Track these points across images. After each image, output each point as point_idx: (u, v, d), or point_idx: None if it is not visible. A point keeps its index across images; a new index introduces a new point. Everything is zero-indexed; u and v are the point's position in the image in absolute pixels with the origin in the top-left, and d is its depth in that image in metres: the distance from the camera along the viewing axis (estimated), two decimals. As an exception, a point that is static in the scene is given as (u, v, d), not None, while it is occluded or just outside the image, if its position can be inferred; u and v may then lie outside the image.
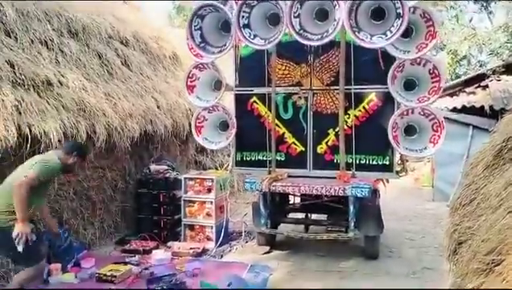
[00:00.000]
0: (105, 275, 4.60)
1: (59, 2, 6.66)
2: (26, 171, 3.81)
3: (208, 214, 6.33)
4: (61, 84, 5.59)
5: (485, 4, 16.06)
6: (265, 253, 6.06)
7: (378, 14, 4.87)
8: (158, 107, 7.23)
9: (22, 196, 3.62)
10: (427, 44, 4.98)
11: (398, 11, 4.55)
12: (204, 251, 5.99)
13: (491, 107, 9.57)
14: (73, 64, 6.10)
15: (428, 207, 9.20)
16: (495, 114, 8.76)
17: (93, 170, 6.22)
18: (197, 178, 6.50)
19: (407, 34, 5.05)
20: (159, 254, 5.58)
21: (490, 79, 10.45)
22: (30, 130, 4.74)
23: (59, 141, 4.98)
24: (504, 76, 10.44)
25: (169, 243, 6.19)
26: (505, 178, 2.78)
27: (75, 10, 6.72)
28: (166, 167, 6.93)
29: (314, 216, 6.67)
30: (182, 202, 6.43)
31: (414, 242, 6.67)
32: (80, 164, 4.57)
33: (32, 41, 5.69)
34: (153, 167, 6.88)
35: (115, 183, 6.65)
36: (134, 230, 6.56)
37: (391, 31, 4.62)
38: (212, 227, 6.31)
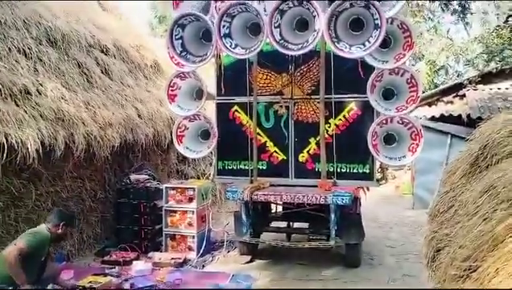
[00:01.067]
0: (84, 287, 4.53)
1: (39, 6, 6.60)
2: (17, 241, 4.09)
3: (190, 224, 6.28)
4: (39, 93, 5.52)
5: (461, 15, 16.47)
6: (247, 262, 6.04)
7: (357, 25, 4.94)
8: (139, 116, 7.18)
9: (11, 263, 3.84)
10: (404, 54, 5.08)
11: (376, 22, 4.62)
12: (186, 261, 5.94)
13: (468, 116, 9.78)
14: (52, 72, 6.03)
15: (408, 214, 9.31)
16: (472, 123, 8.95)
17: (72, 180, 6.12)
18: (178, 187, 6.46)
19: (386, 44, 5.14)
20: (140, 265, 5.52)
21: (467, 88, 10.71)
22: (7, 140, 4.65)
23: (36, 150, 4.91)
24: (480, 86, 10.71)
25: (150, 254, 6.13)
26: (481, 185, 2.84)
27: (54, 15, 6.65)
28: (146, 177, 6.86)
29: (296, 224, 6.68)
30: (163, 212, 6.37)
31: (395, 249, 6.73)
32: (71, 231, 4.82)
33: (10, 49, 5.61)
34: (133, 176, 6.80)
35: (94, 193, 6.55)
36: (114, 241, 6.45)
37: (369, 42, 4.69)
38: (193, 237, 6.26)
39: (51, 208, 5.70)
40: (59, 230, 4.24)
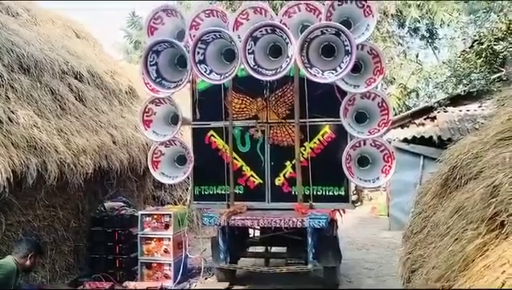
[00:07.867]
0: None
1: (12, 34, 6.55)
2: None
3: (166, 251, 6.18)
4: (11, 121, 5.43)
5: (429, 41, 17.08)
6: (225, 289, 5.95)
7: (329, 51, 5.08)
8: (113, 142, 7.11)
9: None
10: (375, 79, 5.22)
11: (346, 48, 4.76)
12: (162, 290, 5.82)
13: (439, 137, 10.02)
14: (24, 100, 5.94)
15: (385, 236, 9.39)
16: (443, 144, 9.15)
17: (44, 209, 5.97)
18: (154, 214, 6.37)
19: (357, 69, 5.28)
20: (114, 295, 5.37)
21: (437, 111, 11.00)
22: (-24, 169, 4.54)
23: (7, 179, 4.79)
24: (450, 108, 11.03)
25: (125, 283, 5.98)
26: (452, 206, 2.90)
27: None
28: (121, 204, 6.76)
29: (274, 249, 6.64)
30: (138, 239, 6.26)
31: (373, 271, 6.75)
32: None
33: (-20, 77, 5.53)
34: (108, 204, 6.69)
35: (67, 222, 6.39)
36: (88, 271, 6.30)
37: (341, 67, 4.82)
38: (170, 264, 6.16)
39: (22, 238, 5.54)
40: (28, 262, 4.04)
